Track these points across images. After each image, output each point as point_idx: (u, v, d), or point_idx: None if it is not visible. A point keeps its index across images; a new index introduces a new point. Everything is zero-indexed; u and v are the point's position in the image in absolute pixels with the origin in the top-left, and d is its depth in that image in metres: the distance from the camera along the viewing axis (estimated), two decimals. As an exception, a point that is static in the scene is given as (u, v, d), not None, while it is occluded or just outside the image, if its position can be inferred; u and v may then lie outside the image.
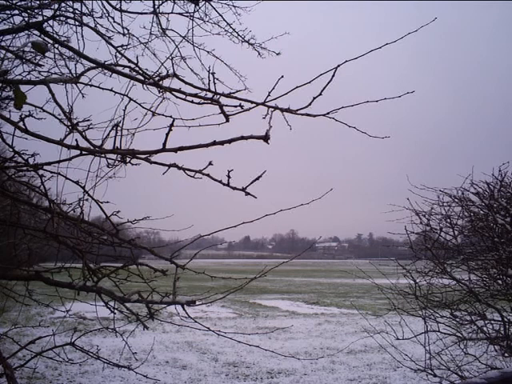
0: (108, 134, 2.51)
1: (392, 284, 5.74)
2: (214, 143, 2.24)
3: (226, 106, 2.44)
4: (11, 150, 2.53)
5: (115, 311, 3.15)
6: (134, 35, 4.72)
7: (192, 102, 2.53)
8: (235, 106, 2.43)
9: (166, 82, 2.62)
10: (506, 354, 5.28)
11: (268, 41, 5.45)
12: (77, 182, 2.83)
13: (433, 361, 5.10)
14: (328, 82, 2.22)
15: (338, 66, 2.21)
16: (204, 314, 16.30)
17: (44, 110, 2.64)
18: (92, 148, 2.42)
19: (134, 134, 2.67)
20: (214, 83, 2.44)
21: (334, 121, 2.33)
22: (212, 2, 5.11)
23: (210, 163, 2.28)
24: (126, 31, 4.63)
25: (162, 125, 2.38)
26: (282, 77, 2.29)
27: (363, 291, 26.61)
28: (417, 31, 2.26)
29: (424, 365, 5.13)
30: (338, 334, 12.92)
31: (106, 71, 2.88)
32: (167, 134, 2.25)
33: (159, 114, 2.70)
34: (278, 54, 5.57)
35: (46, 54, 3.08)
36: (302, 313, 17.44)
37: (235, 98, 2.48)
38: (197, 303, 2.61)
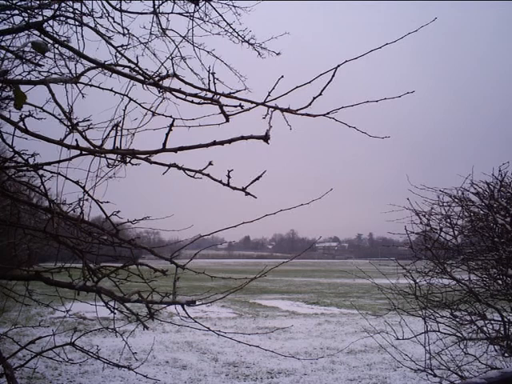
0: (108, 134, 2.51)
1: (392, 284, 5.74)
2: (214, 143, 2.24)
3: (226, 105, 2.44)
4: (11, 149, 2.53)
5: (115, 311, 3.14)
6: (134, 35, 4.72)
7: (192, 102, 2.53)
8: (235, 106, 2.43)
9: (166, 82, 2.62)
10: (506, 354, 5.28)
11: (268, 41, 5.46)
12: (77, 182, 2.83)
13: (433, 361, 5.10)
14: (328, 82, 2.22)
15: (338, 65, 2.21)
16: (204, 314, 16.30)
17: (44, 110, 2.64)
18: (92, 148, 2.42)
19: (133, 134, 2.67)
20: (214, 83, 2.44)
21: (334, 121, 2.33)
22: (212, 2, 5.11)
23: (210, 163, 2.28)
24: (126, 31, 4.64)
25: (162, 125, 2.38)
26: (282, 77, 2.29)
27: (363, 291, 26.60)
28: (417, 31, 2.26)
29: (424, 365, 5.13)
30: (338, 334, 12.92)
31: (106, 71, 2.88)
32: (167, 134, 2.25)
33: (159, 114, 2.71)
34: (278, 54, 5.58)
35: (46, 54, 3.08)
36: (302, 313, 17.44)
37: (235, 97, 2.48)
38: (197, 303, 2.62)
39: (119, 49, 3.76)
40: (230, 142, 2.23)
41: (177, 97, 2.57)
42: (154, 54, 4.85)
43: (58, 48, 3.55)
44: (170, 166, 2.32)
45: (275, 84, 2.28)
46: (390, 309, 5.64)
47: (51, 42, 2.85)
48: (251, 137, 2.20)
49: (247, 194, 2.29)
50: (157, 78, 2.62)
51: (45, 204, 3.01)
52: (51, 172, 2.70)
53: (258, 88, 3.96)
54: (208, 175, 2.31)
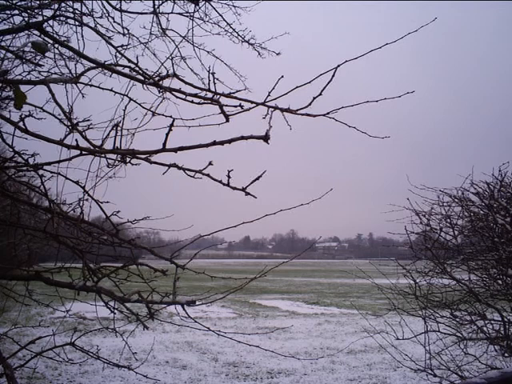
0: (108, 134, 2.51)
1: (392, 284, 5.74)
2: (214, 143, 2.24)
3: (226, 106, 2.44)
4: (11, 149, 2.53)
5: (115, 311, 3.14)
6: (134, 35, 4.72)
7: (192, 102, 2.53)
8: (235, 106, 2.43)
9: (166, 82, 2.62)
10: (506, 354, 5.27)
11: (268, 41, 5.46)
12: (77, 182, 2.83)
13: (433, 361, 5.10)
14: (328, 82, 2.22)
15: (338, 66, 2.21)
16: (204, 314, 16.30)
17: (44, 110, 2.64)
18: (92, 148, 2.42)
19: (133, 134, 2.67)
20: (214, 83, 2.44)
21: (334, 121, 2.33)
22: (212, 2, 5.11)
23: (210, 163, 2.28)
24: (126, 31, 4.64)
25: (162, 125, 2.38)
26: (282, 77, 2.29)
27: (363, 291, 26.60)
28: (417, 31, 2.26)
29: (424, 365, 5.13)
30: (338, 334, 12.92)
31: (106, 71, 2.88)
32: (167, 134, 2.25)
33: (159, 114, 2.71)
34: (278, 54, 5.58)
35: (46, 54, 3.08)
36: (302, 313, 17.44)
37: (235, 97, 2.48)
38: (197, 303, 2.62)
39: (119, 49, 3.76)
40: (230, 141, 2.23)
41: (177, 97, 2.57)
42: (154, 54, 4.86)
43: (58, 48, 3.55)
44: (170, 166, 2.32)
45: (275, 84, 2.28)
46: (390, 309, 5.64)
47: (51, 41, 2.85)
48: (251, 137, 2.20)
49: (247, 194, 2.29)
50: (157, 78, 2.62)
51: (45, 204, 3.01)
52: (51, 172, 2.70)
53: (258, 88, 3.96)
54: (208, 175, 2.31)
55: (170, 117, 2.40)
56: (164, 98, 2.75)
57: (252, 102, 2.42)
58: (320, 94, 2.26)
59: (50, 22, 3.35)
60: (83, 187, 2.83)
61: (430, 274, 5.47)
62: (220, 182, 2.29)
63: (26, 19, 3.05)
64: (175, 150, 2.29)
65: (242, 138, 2.22)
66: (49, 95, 2.32)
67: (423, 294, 5.33)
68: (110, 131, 2.50)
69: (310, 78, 2.25)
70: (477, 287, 5.26)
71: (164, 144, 2.27)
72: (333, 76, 2.20)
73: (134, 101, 2.79)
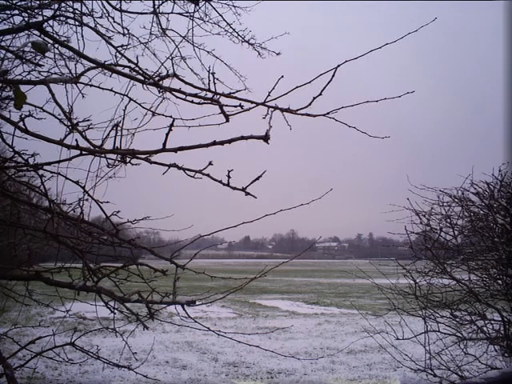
0: (108, 134, 2.51)
1: (392, 284, 5.74)
2: (214, 143, 2.24)
3: (226, 106, 2.44)
4: (11, 149, 2.53)
5: (115, 311, 3.15)
6: (134, 35, 4.73)
7: (192, 102, 2.53)
8: (235, 106, 2.43)
9: (166, 82, 2.62)
10: (506, 354, 5.27)
11: (268, 41, 5.47)
12: (77, 182, 2.83)
13: (433, 361, 5.10)
14: (328, 82, 2.22)
15: (338, 65, 2.21)
16: (204, 314, 16.29)
17: (44, 110, 2.64)
18: (92, 148, 2.42)
19: (133, 134, 2.67)
20: (214, 83, 2.44)
21: (334, 121, 2.33)
22: (212, 2, 5.11)
23: (210, 163, 2.28)
24: (126, 31, 4.64)
25: (162, 125, 2.39)
26: (282, 77, 2.30)
27: (363, 291, 26.59)
28: (417, 31, 2.26)
29: (424, 365, 5.13)
30: (338, 334, 12.92)
31: (106, 71, 2.88)
32: (167, 134, 2.25)
33: (159, 114, 2.71)
34: (278, 54, 5.58)
35: (46, 54, 3.08)
36: (302, 313, 17.43)
37: (235, 97, 2.48)
38: (197, 303, 2.62)
39: (119, 49, 3.76)
40: (230, 142, 2.23)
41: (177, 97, 2.57)
42: (154, 54, 4.86)
43: (58, 48, 3.55)
44: (170, 166, 2.32)
45: (275, 84, 2.28)
46: (390, 309, 5.64)
47: (51, 41, 2.85)
48: (251, 137, 2.20)
49: (247, 194, 2.29)
50: (157, 78, 2.62)
51: (45, 204, 3.01)
52: (51, 172, 2.70)
53: (258, 88, 3.96)
54: (208, 175, 2.32)
55: (170, 117, 2.41)
56: (164, 98, 2.75)
57: (252, 102, 2.42)
58: (320, 94, 2.26)
59: (50, 22, 3.35)
60: (83, 187, 2.83)
61: (430, 273, 5.47)
62: (220, 182, 2.30)
63: (26, 19, 3.05)
64: (175, 150, 2.29)
65: (242, 138, 2.22)
66: (49, 95, 2.32)
67: (423, 294, 5.33)
68: (110, 131, 2.50)
69: (310, 78, 2.25)
70: (477, 287, 5.26)
71: (164, 144, 2.27)
72: (333, 76, 2.20)
73: (134, 101, 2.79)
